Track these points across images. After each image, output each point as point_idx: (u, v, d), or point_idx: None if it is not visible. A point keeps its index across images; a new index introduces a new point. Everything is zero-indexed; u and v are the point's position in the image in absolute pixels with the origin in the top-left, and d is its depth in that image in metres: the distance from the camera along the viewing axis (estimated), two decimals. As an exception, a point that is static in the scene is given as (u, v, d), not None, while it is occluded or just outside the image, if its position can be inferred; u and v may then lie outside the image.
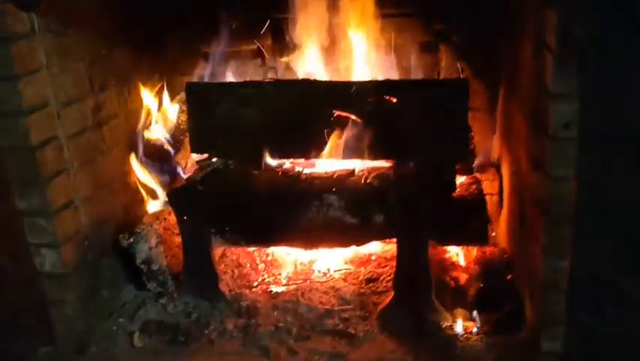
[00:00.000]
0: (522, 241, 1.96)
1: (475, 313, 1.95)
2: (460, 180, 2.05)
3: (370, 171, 2.02)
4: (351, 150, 2.03)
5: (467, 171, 2.10)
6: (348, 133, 2.01)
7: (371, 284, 2.15)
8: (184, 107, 2.29)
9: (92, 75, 2.05)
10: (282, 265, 2.29)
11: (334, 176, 2.02)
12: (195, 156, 2.22)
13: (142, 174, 2.27)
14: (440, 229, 1.94)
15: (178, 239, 2.14)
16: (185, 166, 2.31)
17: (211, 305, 2.08)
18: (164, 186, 2.25)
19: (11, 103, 1.74)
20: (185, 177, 2.16)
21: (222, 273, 2.18)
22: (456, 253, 2.22)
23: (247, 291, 2.15)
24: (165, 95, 2.39)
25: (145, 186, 2.29)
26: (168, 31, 2.47)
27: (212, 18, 2.40)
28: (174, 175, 2.24)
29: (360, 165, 2.06)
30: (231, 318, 2.04)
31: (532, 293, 1.83)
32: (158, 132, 2.31)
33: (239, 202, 2.03)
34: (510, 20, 2.05)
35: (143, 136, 2.27)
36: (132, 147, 2.25)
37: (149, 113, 2.31)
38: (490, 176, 2.34)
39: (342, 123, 2.01)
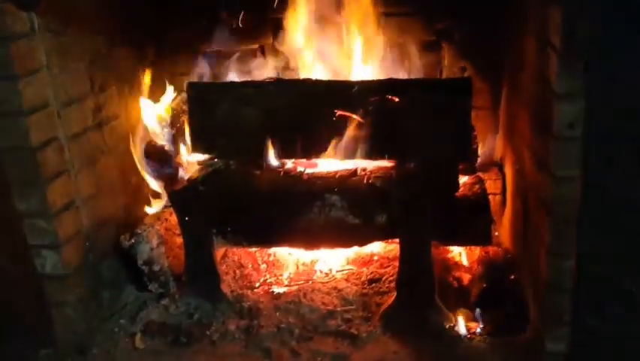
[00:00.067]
0: (526, 240, 1.95)
1: (478, 313, 1.94)
2: (463, 179, 2.04)
3: (372, 170, 2.01)
4: (353, 150, 2.02)
5: (470, 170, 2.09)
6: (350, 133, 2.00)
7: (373, 285, 2.14)
8: (184, 107, 2.28)
9: (92, 75, 2.04)
10: (284, 265, 2.28)
11: (336, 176, 2.01)
12: (196, 157, 2.21)
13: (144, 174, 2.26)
14: (443, 229, 1.93)
15: (179, 240, 2.13)
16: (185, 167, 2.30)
17: (213, 306, 2.07)
18: (164, 186, 2.24)
19: (11, 103, 1.73)
20: (186, 177, 2.15)
21: (224, 274, 2.17)
22: (459, 253, 2.21)
23: (249, 292, 2.14)
24: (165, 95, 2.38)
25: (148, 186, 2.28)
26: (168, 31, 2.45)
27: (213, 18, 2.40)
28: (175, 176, 2.22)
29: (362, 165, 2.05)
30: (233, 319, 2.03)
31: (536, 293, 1.82)
32: (158, 133, 2.30)
33: (240, 203, 2.02)
34: (513, 18, 2.04)
35: (144, 137, 2.26)
36: (133, 148, 2.23)
37: (149, 114, 2.30)
38: (493, 175, 2.33)
39: (343, 123, 2.00)
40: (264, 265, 2.29)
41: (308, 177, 2.03)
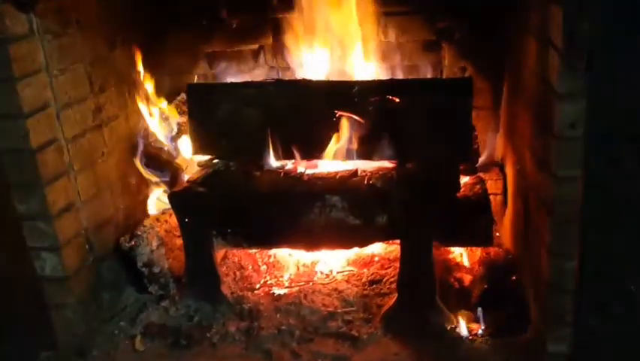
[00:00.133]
0: (527, 241, 1.95)
1: (479, 314, 1.94)
2: (464, 180, 2.04)
3: (373, 171, 2.00)
4: (354, 151, 2.01)
5: (471, 170, 2.08)
6: (350, 133, 2.00)
7: (374, 286, 2.13)
8: (184, 108, 2.28)
9: (91, 76, 2.03)
10: (285, 267, 2.27)
11: (336, 177, 2.01)
12: (196, 158, 2.20)
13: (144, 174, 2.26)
14: (444, 230, 1.92)
15: (179, 241, 2.13)
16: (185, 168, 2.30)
17: (213, 308, 2.06)
18: (164, 188, 2.24)
19: (10, 105, 1.73)
20: (185, 179, 2.14)
21: (224, 275, 2.16)
22: (460, 254, 2.21)
23: (249, 293, 2.14)
24: (165, 95, 2.38)
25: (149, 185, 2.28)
26: (168, 31, 2.45)
27: (213, 18, 2.40)
28: (175, 177, 2.22)
29: (362, 166, 2.04)
30: (233, 321, 2.02)
31: (537, 294, 1.81)
32: (158, 134, 2.30)
33: (240, 204, 2.01)
34: (514, 17, 2.03)
35: (144, 138, 2.25)
36: (133, 149, 2.23)
37: (149, 115, 2.30)
38: (494, 175, 2.33)
39: (344, 123, 2.00)
40: (265, 267, 2.28)
41: (308, 178, 2.02)
